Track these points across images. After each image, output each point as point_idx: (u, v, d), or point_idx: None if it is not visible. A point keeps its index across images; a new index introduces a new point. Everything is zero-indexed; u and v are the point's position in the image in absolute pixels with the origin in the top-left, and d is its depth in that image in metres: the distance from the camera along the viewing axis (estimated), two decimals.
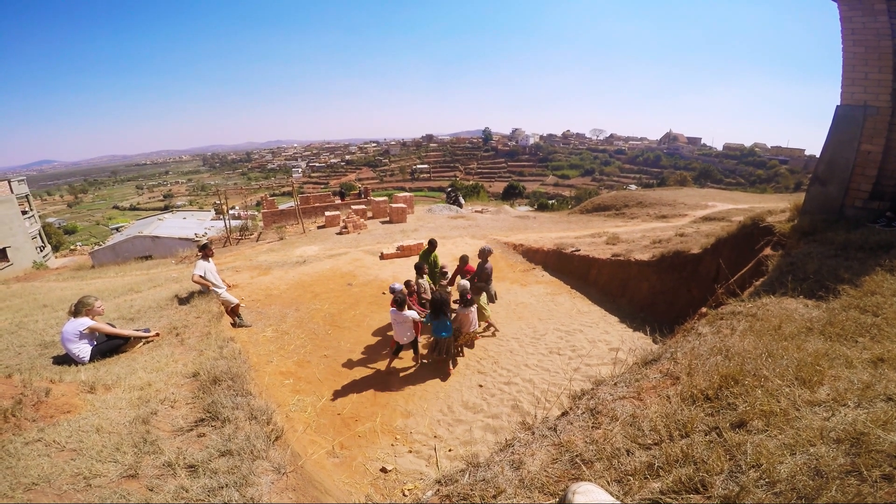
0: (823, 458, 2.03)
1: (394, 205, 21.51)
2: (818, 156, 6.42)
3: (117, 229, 61.43)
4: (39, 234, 40.39)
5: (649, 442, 2.54)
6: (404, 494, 4.41)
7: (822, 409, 2.43)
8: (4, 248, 33.35)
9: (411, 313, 6.93)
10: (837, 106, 6.02)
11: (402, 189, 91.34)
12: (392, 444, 5.36)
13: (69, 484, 2.72)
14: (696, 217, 16.92)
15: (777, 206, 8.61)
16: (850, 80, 5.85)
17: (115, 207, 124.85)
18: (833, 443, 2.13)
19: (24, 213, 37.57)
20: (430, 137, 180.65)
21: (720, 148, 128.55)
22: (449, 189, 42.01)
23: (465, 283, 8.22)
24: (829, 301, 4.03)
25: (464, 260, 8.85)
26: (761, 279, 5.38)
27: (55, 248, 48.42)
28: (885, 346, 2.97)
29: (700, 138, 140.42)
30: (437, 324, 6.97)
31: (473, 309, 7.50)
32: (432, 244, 9.07)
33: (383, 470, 4.84)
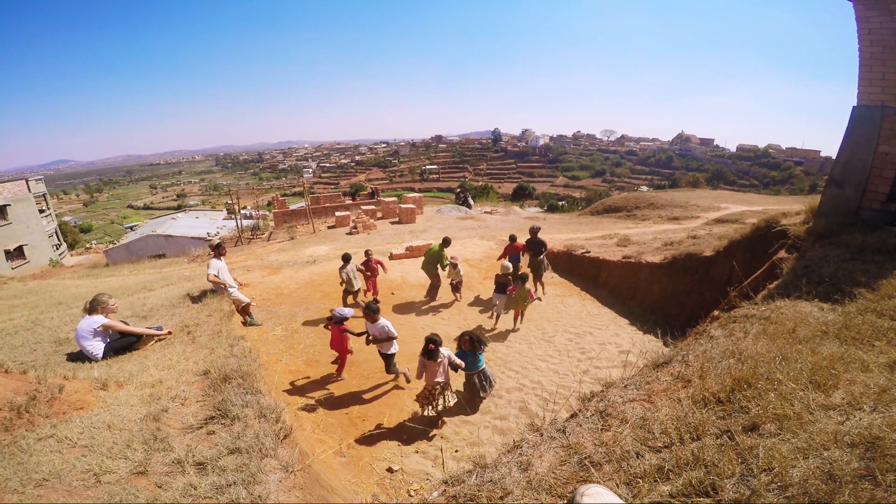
0: (837, 462, 2.00)
1: (403, 205, 21.56)
2: (834, 157, 6.32)
3: (131, 228, 62.28)
4: (56, 233, 41.10)
5: (659, 445, 2.51)
6: (410, 495, 4.41)
7: (836, 412, 2.39)
8: (21, 246, 33.97)
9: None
10: (854, 107, 5.92)
11: (412, 190, 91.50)
12: (399, 445, 5.35)
13: (79, 480, 2.75)
14: (709, 219, 16.75)
15: (791, 209, 8.49)
16: (867, 81, 5.76)
17: (130, 206, 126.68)
18: (847, 447, 2.09)
19: (41, 211, 38.28)
20: (439, 138, 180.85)
21: (733, 149, 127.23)
22: (458, 190, 41.98)
23: (508, 263, 8.85)
24: (845, 304, 3.96)
25: (512, 238, 10.35)
26: (775, 282, 5.31)
27: (71, 247, 49.22)
28: None
29: (713, 139, 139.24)
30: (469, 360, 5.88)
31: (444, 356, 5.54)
32: (446, 241, 9.89)
33: (389, 470, 4.84)
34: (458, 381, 6.17)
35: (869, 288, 4.11)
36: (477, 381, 5.99)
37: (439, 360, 5.39)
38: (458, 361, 5.59)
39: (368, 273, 9.70)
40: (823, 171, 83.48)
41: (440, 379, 5.44)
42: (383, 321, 6.19)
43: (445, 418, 5.75)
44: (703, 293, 8.75)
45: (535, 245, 9.99)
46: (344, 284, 9.12)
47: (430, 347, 5.29)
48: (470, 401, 6.05)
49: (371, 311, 6.12)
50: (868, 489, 1.83)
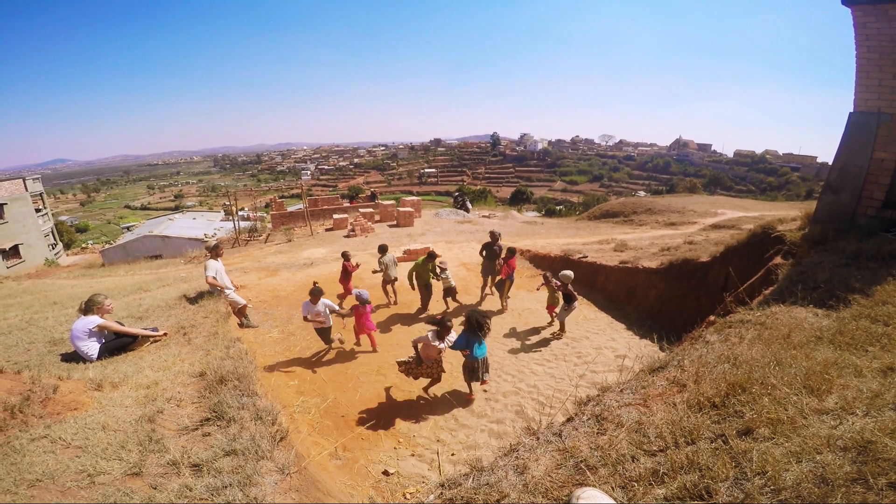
0: (830, 466, 2.01)
1: (401, 209, 21.55)
2: (830, 163, 6.35)
3: (128, 228, 62.11)
4: (52, 232, 40.91)
5: (655, 448, 2.52)
6: (406, 497, 4.40)
7: (829, 417, 2.40)
8: (17, 245, 33.80)
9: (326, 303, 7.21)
10: (850, 113, 5.95)
11: (410, 193, 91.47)
12: (395, 448, 5.35)
13: (73, 481, 2.74)
14: (706, 225, 16.82)
15: (788, 215, 8.53)
16: (863, 87, 5.79)
17: (127, 207, 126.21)
18: (840, 451, 2.11)
19: (37, 210, 38.11)
20: (438, 142, 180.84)
21: (731, 155, 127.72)
22: (456, 193, 41.96)
23: (569, 272, 8.18)
24: (840, 310, 3.98)
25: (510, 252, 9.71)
26: (771, 288, 5.33)
27: (67, 246, 48.99)
28: (895, 356, 2.93)
29: (710, 145, 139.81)
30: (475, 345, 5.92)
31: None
32: (431, 256, 9.34)
33: (385, 473, 4.83)
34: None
35: (863, 294, 4.14)
36: (479, 366, 6.08)
37: (441, 346, 5.92)
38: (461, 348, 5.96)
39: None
40: (820, 176, 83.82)
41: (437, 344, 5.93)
42: (325, 301, 7.20)
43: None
44: (700, 298, 8.77)
45: (491, 249, 9.85)
46: (382, 274, 9.70)
47: (437, 329, 5.88)
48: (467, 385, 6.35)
49: (315, 294, 7.06)
50: (860, 493, 1.85)
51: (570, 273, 8.20)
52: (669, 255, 10.54)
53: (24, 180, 36.98)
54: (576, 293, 8.21)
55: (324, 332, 7.45)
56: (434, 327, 5.97)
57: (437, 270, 9.31)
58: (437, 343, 5.90)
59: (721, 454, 2.27)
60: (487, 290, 10.36)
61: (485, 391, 6.52)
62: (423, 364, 6.08)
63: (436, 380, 6.31)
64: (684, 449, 2.41)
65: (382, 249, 9.69)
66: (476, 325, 5.81)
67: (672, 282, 9.77)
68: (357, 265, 9.98)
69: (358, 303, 7.42)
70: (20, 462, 2.85)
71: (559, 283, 8.11)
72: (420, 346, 6.08)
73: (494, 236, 10.02)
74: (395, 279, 9.82)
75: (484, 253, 9.98)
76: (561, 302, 8.32)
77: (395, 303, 10.05)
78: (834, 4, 5.66)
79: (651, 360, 3.96)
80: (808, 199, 44.08)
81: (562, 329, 8.46)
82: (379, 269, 9.63)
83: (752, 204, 25.64)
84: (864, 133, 5.79)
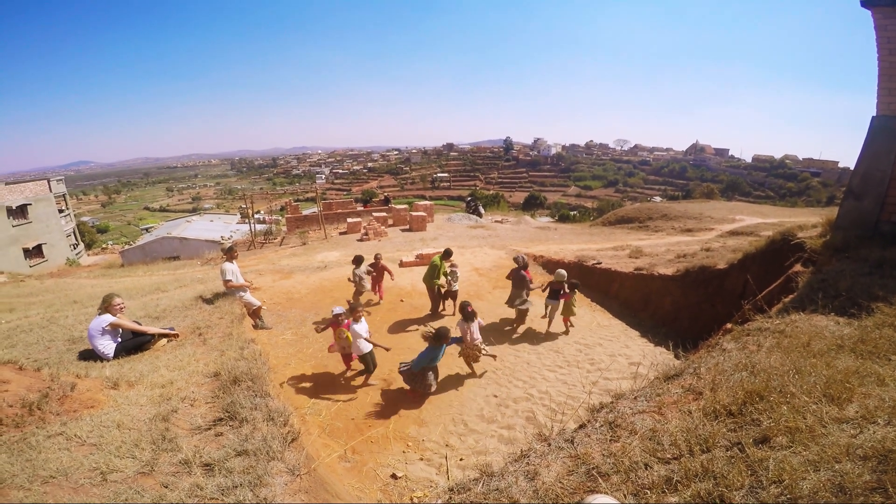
0: (848, 475, 1.97)
1: (414, 213, 21.61)
2: (852, 168, 6.21)
3: (147, 230, 63.20)
4: (74, 233, 41.82)
5: (668, 456, 2.48)
6: (414, 501, 4.38)
7: (849, 426, 2.35)
8: (40, 245, 34.61)
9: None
10: (873, 117, 5.83)
11: (423, 197, 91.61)
12: (403, 451, 5.33)
13: (86, 478, 2.77)
14: (723, 231, 16.57)
15: (808, 221, 8.37)
16: (886, 90, 5.66)
17: (146, 208, 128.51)
18: (859, 460, 2.06)
19: (60, 211, 39.02)
20: (450, 146, 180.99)
21: (749, 159, 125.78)
22: (469, 198, 41.98)
23: (562, 271, 8.76)
24: (862, 319, 3.89)
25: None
26: (790, 296, 5.23)
27: (88, 246, 50.02)
28: None
29: (728, 149, 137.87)
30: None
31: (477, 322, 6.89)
32: (448, 253, 9.36)
33: (394, 476, 4.81)
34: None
35: (887, 302, 4.03)
36: (432, 375, 6.42)
37: (475, 322, 6.78)
38: (477, 334, 6.84)
39: (374, 274, 9.82)
40: (841, 182, 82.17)
41: (477, 336, 6.79)
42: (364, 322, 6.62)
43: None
44: (716, 306, 8.63)
45: (520, 278, 8.95)
46: (355, 286, 9.39)
47: (469, 310, 6.77)
48: (421, 395, 6.45)
49: (353, 310, 6.56)
50: (879, 502, 1.81)
51: (563, 272, 8.73)
52: (685, 261, 10.40)
53: (48, 181, 37.94)
54: (564, 292, 8.62)
55: (366, 358, 6.57)
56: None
57: (449, 272, 9.14)
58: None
59: (737, 462, 2.23)
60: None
61: (495, 396, 6.49)
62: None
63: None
64: (699, 457, 2.36)
65: (357, 261, 9.36)
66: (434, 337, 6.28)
67: (688, 289, 9.64)
68: (385, 266, 9.98)
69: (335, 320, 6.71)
70: (35, 458, 2.89)
71: (555, 283, 8.64)
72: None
73: (520, 263, 8.97)
74: (363, 292, 9.49)
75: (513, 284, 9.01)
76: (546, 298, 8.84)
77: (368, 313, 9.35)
78: (853, 6, 5.55)
79: (666, 368, 3.91)
80: (829, 205, 43.25)
81: (549, 327, 8.90)
82: (353, 279, 9.35)
83: (770, 210, 25.21)
84: (888, 137, 5.66)
